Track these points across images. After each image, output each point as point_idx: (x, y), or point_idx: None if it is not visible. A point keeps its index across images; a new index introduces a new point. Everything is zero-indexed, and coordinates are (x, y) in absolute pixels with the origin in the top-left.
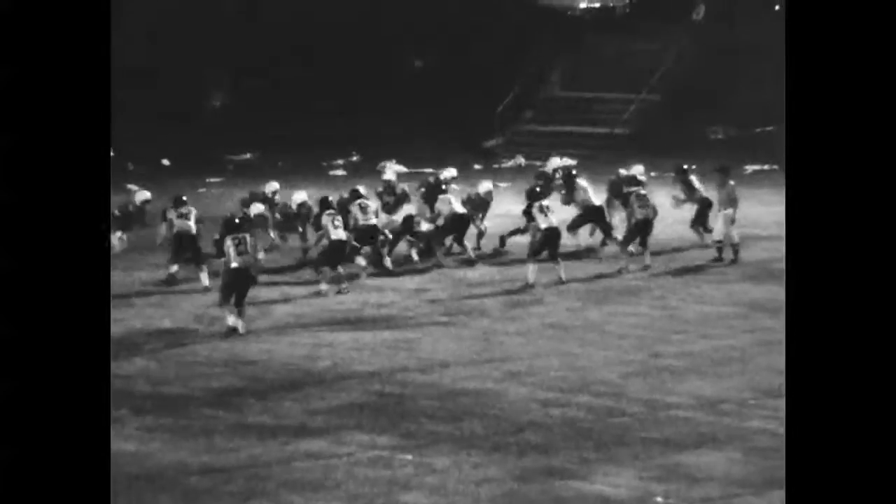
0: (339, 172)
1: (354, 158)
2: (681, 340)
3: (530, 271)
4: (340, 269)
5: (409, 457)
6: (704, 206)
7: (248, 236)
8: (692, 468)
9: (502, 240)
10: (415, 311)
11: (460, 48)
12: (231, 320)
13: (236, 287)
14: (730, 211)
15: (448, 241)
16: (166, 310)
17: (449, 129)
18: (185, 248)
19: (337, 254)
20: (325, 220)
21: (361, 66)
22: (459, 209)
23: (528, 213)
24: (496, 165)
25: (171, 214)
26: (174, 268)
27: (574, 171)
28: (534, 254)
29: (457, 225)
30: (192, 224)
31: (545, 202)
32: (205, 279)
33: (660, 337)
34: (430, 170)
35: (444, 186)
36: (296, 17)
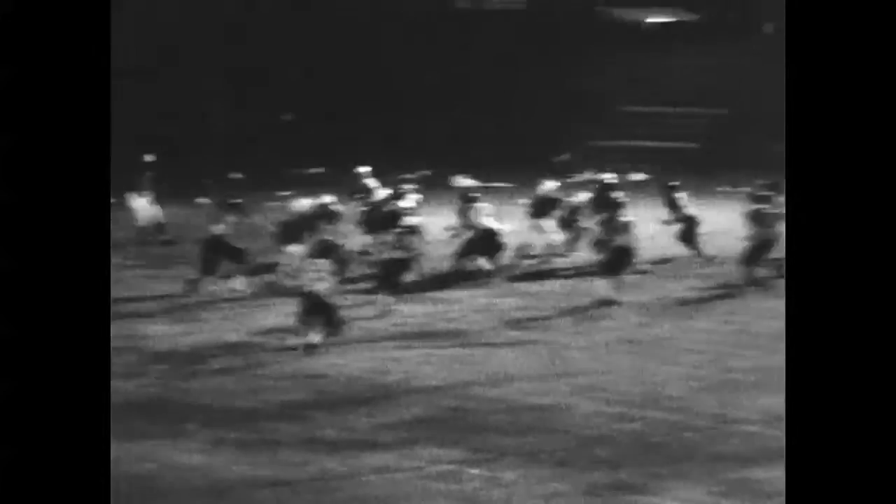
0: (410, 186)
1: (425, 172)
2: (750, 355)
3: (603, 287)
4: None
5: (478, 471)
6: (690, 223)
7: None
8: (761, 483)
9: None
10: (483, 325)
11: (530, 62)
12: (313, 338)
13: (319, 310)
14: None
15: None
16: (234, 323)
17: (517, 144)
18: (221, 253)
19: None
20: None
21: (429, 80)
22: (490, 224)
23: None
24: (567, 180)
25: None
26: (238, 282)
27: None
28: (610, 270)
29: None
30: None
31: (623, 217)
32: (240, 285)
33: (729, 352)
34: (501, 184)
35: (472, 196)
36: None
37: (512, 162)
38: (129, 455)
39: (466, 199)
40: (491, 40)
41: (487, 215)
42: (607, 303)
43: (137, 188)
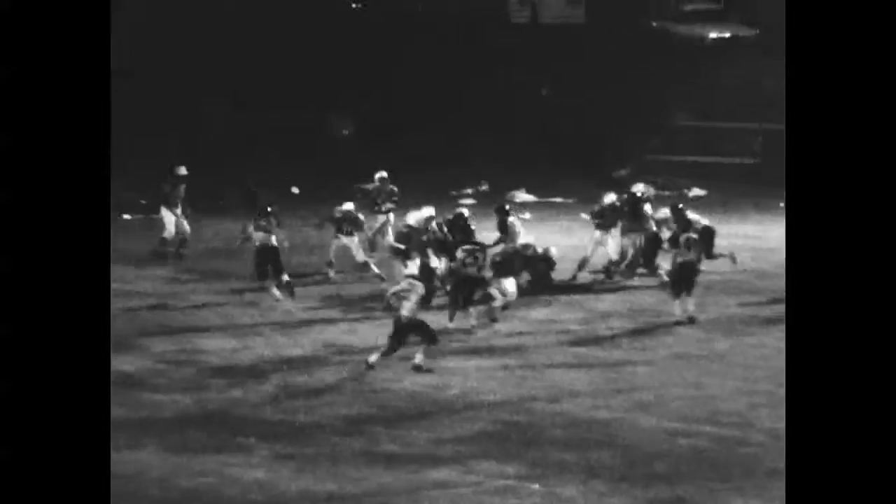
0: (469, 202)
1: (483, 188)
2: None
3: (676, 305)
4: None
5: (537, 486)
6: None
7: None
8: None
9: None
10: (543, 341)
11: (587, 77)
12: (372, 358)
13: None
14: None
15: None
16: (292, 338)
17: (575, 158)
18: (266, 261)
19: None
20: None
21: (486, 94)
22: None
23: (674, 241)
24: (625, 195)
25: (251, 227)
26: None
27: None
28: (675, 291)
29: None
30: (272, 237)
31: (692, 235)
32: (276, 293)
33: (783, 367)
34: (559, 199)
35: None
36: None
37: (571, 177)
38: (187, 469)
39: (503, 213)
40: (548, 55)
41: (520, 229)
42: (681, 322)
43: (170, 201)
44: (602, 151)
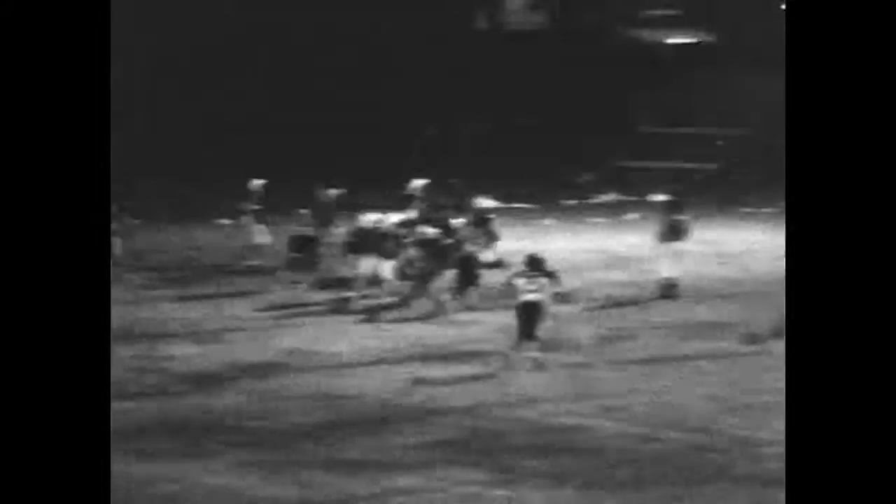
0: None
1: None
2: (771, 377)
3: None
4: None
5: (502, 492)
6: None
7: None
8: None
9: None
10: (504, 346)
11: (548, 82)
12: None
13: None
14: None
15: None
16: (257, 343)
17: (537, 165)
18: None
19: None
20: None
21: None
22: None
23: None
24: (588, 200)
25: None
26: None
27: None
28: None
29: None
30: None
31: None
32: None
33: (751, 373)
34: (522, 205)
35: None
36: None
37: (532, 182)
38: (153, 475)
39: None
40: (509, 61)
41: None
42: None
43: (248, 212)
44: (565, 157)
